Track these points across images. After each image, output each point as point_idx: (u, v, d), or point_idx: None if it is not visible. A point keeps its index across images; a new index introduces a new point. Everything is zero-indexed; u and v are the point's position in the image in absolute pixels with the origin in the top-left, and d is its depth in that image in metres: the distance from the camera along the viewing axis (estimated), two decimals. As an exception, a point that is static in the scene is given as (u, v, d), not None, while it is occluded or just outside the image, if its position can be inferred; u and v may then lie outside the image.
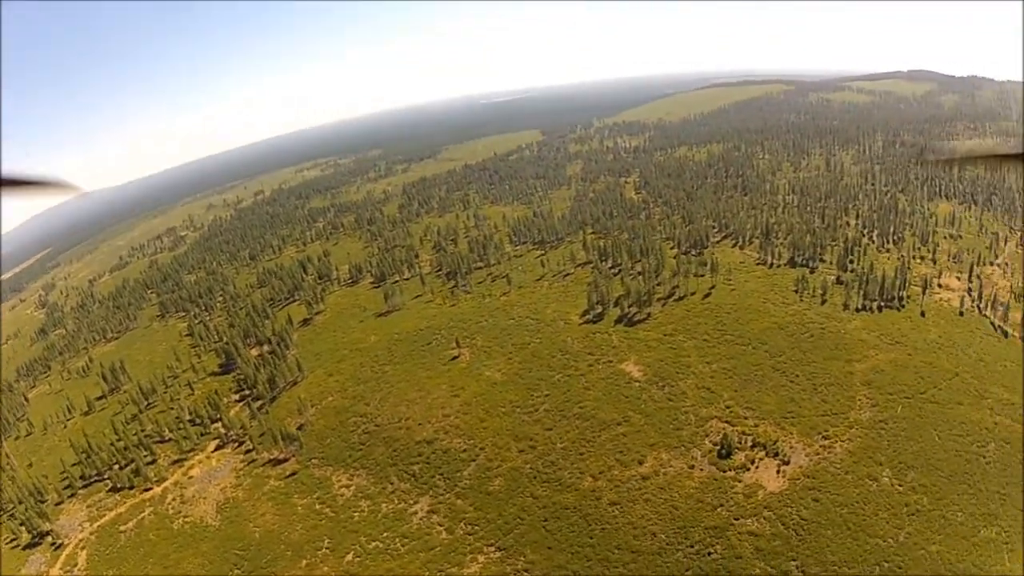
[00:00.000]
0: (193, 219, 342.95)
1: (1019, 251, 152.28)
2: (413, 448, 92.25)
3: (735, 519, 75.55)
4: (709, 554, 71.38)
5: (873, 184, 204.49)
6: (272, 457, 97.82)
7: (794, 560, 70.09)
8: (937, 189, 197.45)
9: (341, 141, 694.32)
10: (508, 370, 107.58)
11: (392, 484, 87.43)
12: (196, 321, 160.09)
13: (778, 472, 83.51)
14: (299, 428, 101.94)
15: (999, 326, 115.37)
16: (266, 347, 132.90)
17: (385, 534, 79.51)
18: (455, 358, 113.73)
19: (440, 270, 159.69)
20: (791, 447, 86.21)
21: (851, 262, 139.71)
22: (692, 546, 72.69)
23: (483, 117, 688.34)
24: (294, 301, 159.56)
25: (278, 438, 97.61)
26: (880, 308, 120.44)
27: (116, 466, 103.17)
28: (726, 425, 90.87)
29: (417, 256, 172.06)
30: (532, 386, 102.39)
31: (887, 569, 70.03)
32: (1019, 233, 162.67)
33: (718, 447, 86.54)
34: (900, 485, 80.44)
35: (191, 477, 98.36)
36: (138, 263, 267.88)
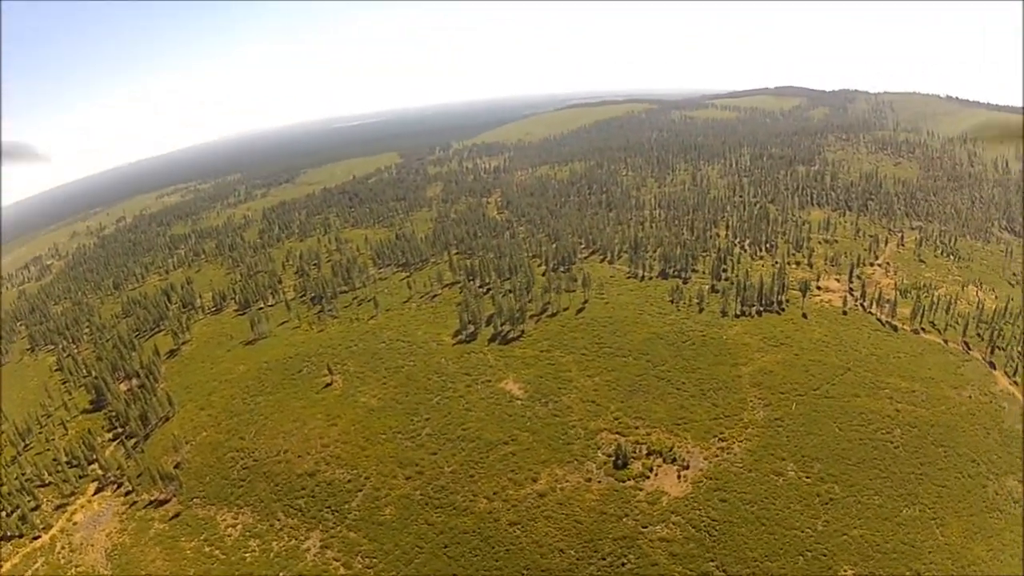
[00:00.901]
0: (58, 247, 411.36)
1: (900, 251, 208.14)
2: (295, 481, 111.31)
3: (643, 527, 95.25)
4: (623, 564, 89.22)
5: (742, 196, 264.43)
6: (153, 498, 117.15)
7: (712, 561, 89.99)
8: (809, 198, 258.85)
9: (199, 166, 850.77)
10: (384, 395, 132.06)
11: (279, 521, 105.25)
12: (64, 355, 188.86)
13: (679, 477, 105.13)
14: (176, 467, 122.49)
15: (887, 321, 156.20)
16: (135, 381, 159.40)
17: (281, 574, 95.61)
18: (328, 385, 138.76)
19: (305, 295, 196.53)
20: (688, 452, 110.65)
21: (725, 271, 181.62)
22: (604, 559, 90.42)
23: (340, 140, 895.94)
24: (160, 331, 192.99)
25: (156, 478, 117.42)
26: (760, 313, 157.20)
27: (3, 513, 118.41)
28: (617, 436, 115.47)
29: (280, 281, 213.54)
30: (411, 410, 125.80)
31: (811, 558, 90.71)
32: (899, 234, 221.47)
33: (613, 458, 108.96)
34: (807, 477, 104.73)
35: (75, 523, 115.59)
36: (8, 293, 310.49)
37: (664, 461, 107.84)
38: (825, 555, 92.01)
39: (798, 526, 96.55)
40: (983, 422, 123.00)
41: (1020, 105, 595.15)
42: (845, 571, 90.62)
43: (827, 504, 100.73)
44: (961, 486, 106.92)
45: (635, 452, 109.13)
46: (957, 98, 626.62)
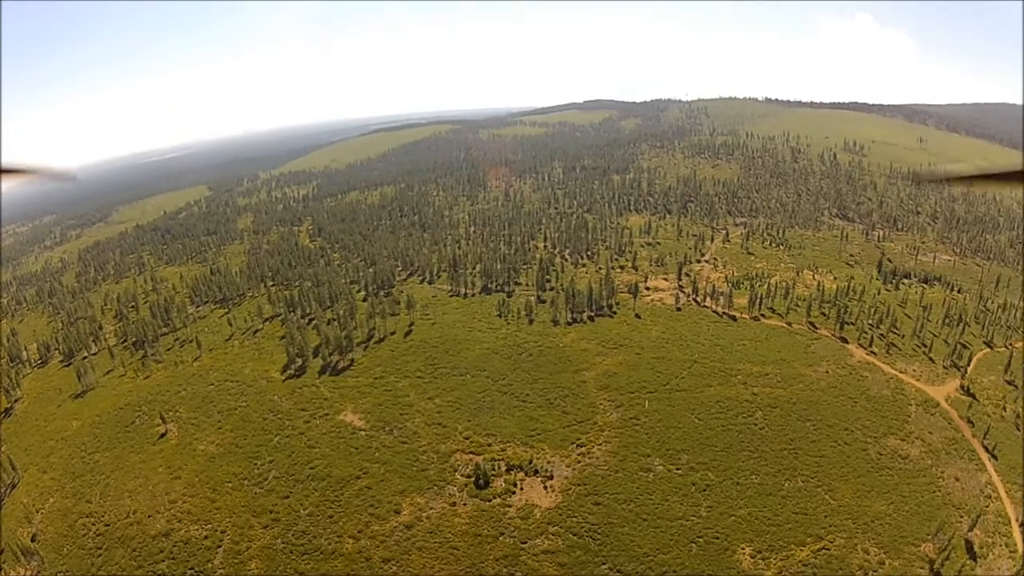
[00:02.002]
0: None
1: (726, 246, 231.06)
2: (152, 544, 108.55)
3: (523, 543, 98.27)
4: None
5: (557, 207, 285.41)
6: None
7: (603, 563, 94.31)
8: (626, 204, 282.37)
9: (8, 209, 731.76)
10: (222, 440, 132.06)
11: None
12: None
13: (545, 488, 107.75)
14: (32, 539, 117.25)
15: (724, 313, 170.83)
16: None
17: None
18: (163, 435, 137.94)
19: (127, 340, 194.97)
20: (548, 462, 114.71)
21: (548, 281, 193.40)
22: None
23: (148, 175, 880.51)
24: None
25: (19, 555, 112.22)
26: (591, 318, 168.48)
27: None
28: (472, 456, 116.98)
29: (101, 327, 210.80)
30: (253, 454, 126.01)
31: (704, 544, 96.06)
32: (723, 231, 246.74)
33: (472, 479, 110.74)
34: (677, 469, 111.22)
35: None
36: None
37: (526, 474, 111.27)
38: (718, 538, 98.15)
39: (681, 516, 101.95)
40: (847, 393, 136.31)
41: (840, 101, 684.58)
42: (743, 549, 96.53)
43: (705, 491, 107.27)
44: (839, 453, 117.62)
45: (494, 470, 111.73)
46: (777, 100, 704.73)
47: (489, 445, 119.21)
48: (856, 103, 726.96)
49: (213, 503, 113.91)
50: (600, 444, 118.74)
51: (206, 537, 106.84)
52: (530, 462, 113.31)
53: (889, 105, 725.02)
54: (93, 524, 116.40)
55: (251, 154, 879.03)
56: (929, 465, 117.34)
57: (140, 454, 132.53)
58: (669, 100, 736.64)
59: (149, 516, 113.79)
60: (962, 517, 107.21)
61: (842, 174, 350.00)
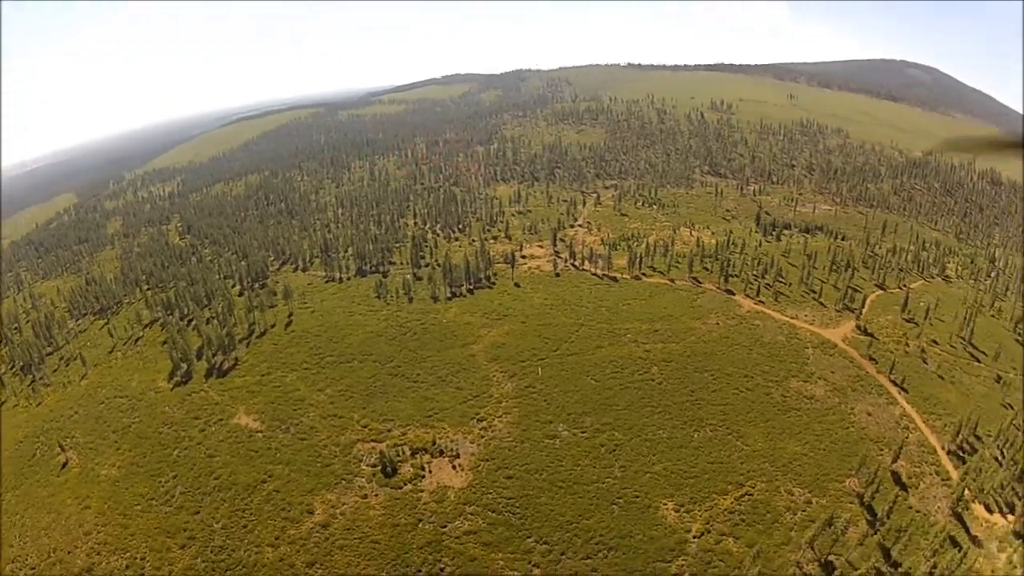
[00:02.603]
0: None
1: (598, 209, 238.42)
2: None
3: (443, 527, 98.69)
4: (441, 570, 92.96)
5: (423, 183, 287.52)
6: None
7: (528, 536, 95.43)
8: (493, 174, 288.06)
9: None
10: (122, 462, 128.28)
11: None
12: None
13: (454, 468, 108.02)
14: None
15: (604, 275, 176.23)
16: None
17: None
18: (65, 465, 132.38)
19: (14, 366, 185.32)
20: (452, 440, 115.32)
21: (423, 258, 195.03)
22: (419, 571, 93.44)
23: (16, 189, 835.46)
24: None
25: None
26: (471, 291, 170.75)
27: None
28: (374, 444, 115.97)
29: None
30: (155, 472, 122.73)
31: (625, 504, 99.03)
32: (595, 195, 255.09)
33: (379, 467, 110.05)
34: (583, 432, 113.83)
35: None
36: None
37: (432, 456, 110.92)
38: (638, 497, 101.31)
39: (596, 479, 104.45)
40: (741, 341, 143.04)
41: (705, 63, 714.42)
42: (665, 504, 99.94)
43: (614, 452, 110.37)
44: (743, 399, 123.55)
45: (399, 455, 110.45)
46: (640, 65, 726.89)
47: (389, 431, 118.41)
48: (722, 64, 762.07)
49: (126, 529, 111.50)
50: (500, 416, 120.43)
51: (128, 567, 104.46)
52: (433, 443, 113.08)
53: (757, 65, 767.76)
54: (20, 570, 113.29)
55: (115, 155, 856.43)
56: (837, 403, 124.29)
57: (47, 488, 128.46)
58: (530, 70, 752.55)
59: (69, 552, 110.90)
60: (882, 450, 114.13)
61: (711, 132, 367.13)
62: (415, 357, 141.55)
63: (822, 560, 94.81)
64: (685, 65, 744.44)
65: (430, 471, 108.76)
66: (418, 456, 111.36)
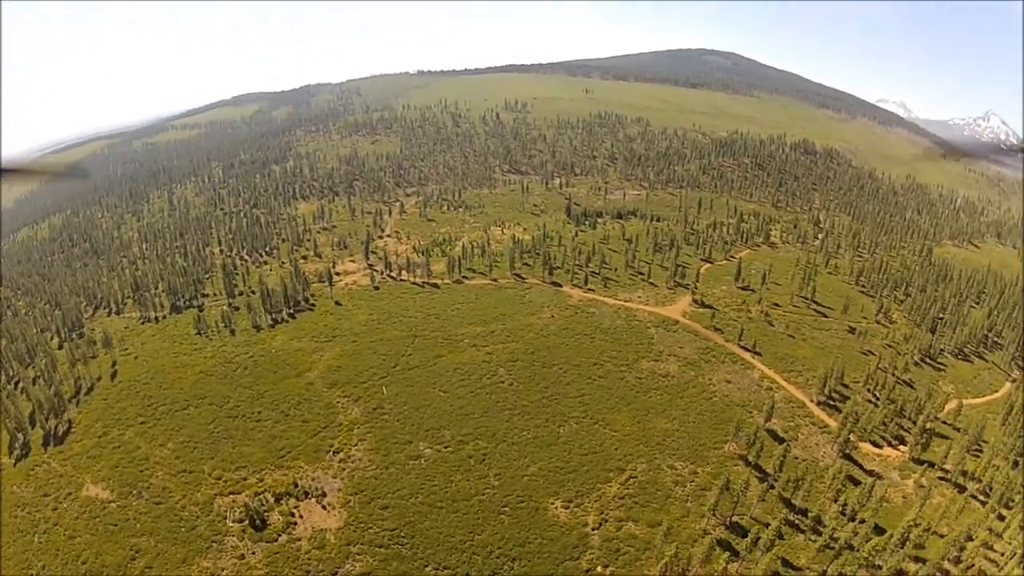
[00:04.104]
0: None
1: (404, 218, 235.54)
2: None
3: (334, 574, 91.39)
4: None
5: (223, 208, 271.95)
6: None
7: (426, 565, 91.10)
8: (292, 193, 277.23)
9: None
10: None
11: None
12: None
13: (325, 508, 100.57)
14: None
15: (425, 282, 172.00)
16: None
17: None
18: None
19: None
20: (313, 479, 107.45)
21: (236, 286, 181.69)
22: None
23: None
24: None
25: None
26: (292, 315, 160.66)
27: None
28: (233, 497, 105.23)
29: None
30: (23, 564, 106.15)
31: (513, 511, 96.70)
32: (398, 204, 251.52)
33: (246, 522, 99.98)
34: (446, 447, 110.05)
35: None
36: None
37: (297, 500, 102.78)
38: (523, 502, 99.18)
39: (475, 492, 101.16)
40: (581, 331, 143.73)
41: (495, 65, 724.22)
42: (553, 504, 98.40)
43: (484, 461, 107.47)
44: (599, 387, 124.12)
45: (263, 505, 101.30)
46: (430, 71, 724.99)
47: (244, 479, 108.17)
48: (513, 65, 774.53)
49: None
50: (356, 445, 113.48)
51: None
52: (295, 485, 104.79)
53: (549, 63, 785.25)
54: None
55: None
56: (693, 376, 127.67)
57: None
58: (319, 84, 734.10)
59: None
60: (751, 412, 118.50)
61: (508, 132, 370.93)
62: (252, 394, 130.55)
63: (727, 523, 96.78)
64: (476, 68, 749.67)
65: (300, 516, 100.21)
66: (283, 502, 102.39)
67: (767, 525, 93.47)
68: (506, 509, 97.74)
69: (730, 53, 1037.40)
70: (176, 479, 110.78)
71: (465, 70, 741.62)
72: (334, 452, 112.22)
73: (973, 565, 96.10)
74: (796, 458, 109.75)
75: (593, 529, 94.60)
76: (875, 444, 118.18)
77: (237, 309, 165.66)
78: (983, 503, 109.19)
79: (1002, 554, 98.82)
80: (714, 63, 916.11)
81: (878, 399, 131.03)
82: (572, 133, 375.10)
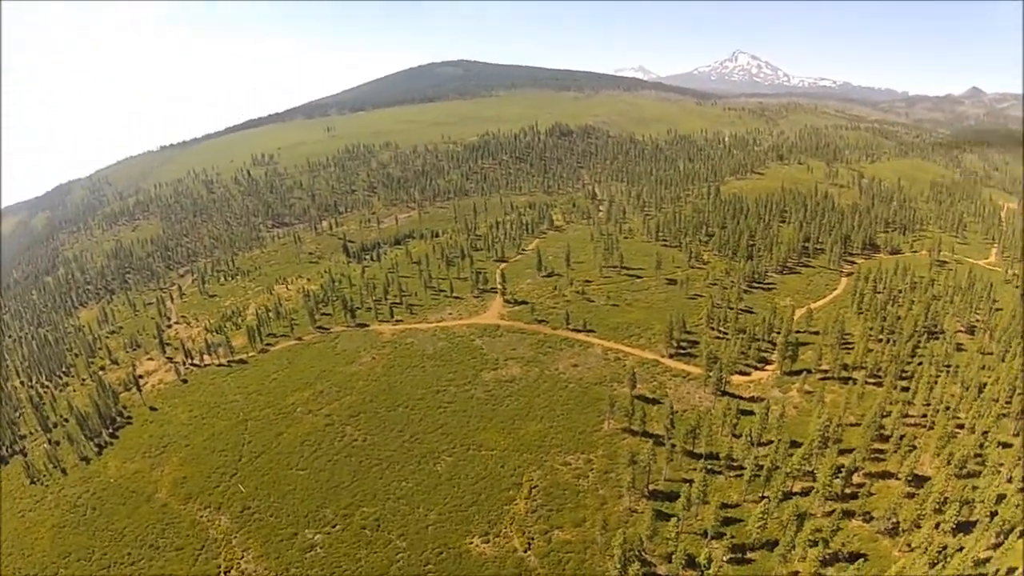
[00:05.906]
0: None
1: (185, 300, 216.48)
2: None
3: None
4: None
5: (10, 335, 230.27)
6: None
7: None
8: (70, 302, 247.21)
9: None
10: None
11: None
12: None
13: None
14: None
15: (231, 361, 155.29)
16: None
17: None
18: None
19: None
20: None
21: (47, 419, 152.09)
22: None
23: None
24: None
25: None
26: (114, 435, 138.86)
27: None
28: None
29: None
30: None
31: (435, 567, 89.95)
32: (174, 286, 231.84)
33: None
34: (334, 527, 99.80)
35: None
36: None
37: None
38: (441, 551, 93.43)
39: (388, 561, 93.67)
40: (407, 364, 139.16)
41: (233, 124, 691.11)
42: (472, 542, 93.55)
43: (379, 527, 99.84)
44: (452, 413, 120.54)
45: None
46: (172, 144, 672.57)
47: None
48: (251, 120, 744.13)
49: None
50: (242, 557, 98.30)
51: None
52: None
53: (286, 111, 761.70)
54: None
55: None
56: (539, 371, 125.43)
57: None
58: (71, 181, 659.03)
59: None
60: (613, 386, 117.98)
61: (263, 186, 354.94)
62: (110, 537, 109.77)
63: (648, 494, 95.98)
64: (216, 132, 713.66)
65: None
66: None
67: (689, 482, 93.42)
68: (429, 567, 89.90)
69: (459, 61, 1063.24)
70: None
71: (206, 135, 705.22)
72: (225, 573, 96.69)
73: (904, 435, 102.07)
74: (676, 412, 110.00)
75: (525, 551, 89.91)
76: (742, 373, 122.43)
77: (58, 444, 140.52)
78: (879, 385, 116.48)
79: (924, 416, 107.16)
80: (446, 74, 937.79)
81: (726, 334, 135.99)
82: (325, 173, 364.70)
